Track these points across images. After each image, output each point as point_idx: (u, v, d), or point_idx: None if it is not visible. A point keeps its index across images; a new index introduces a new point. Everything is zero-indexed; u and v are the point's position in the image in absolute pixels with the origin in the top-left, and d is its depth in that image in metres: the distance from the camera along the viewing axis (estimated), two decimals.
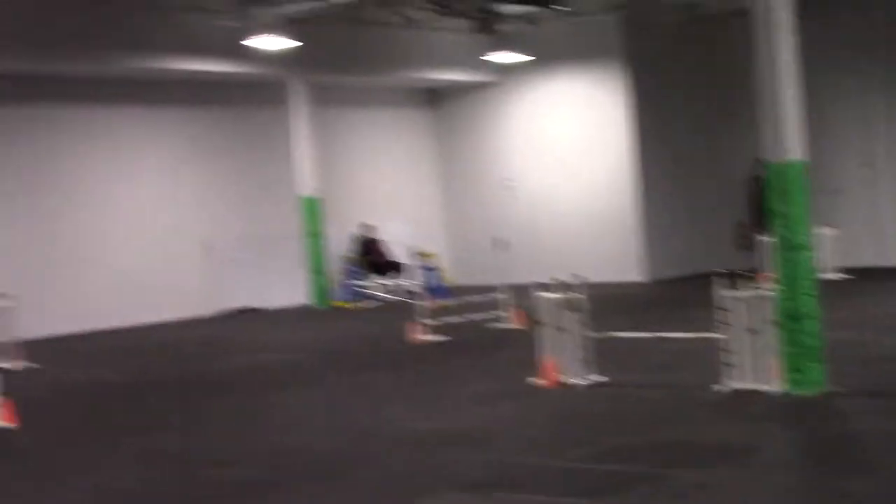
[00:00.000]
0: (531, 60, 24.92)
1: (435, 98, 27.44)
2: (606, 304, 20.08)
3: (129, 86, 21.94)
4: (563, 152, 25.56)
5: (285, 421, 11.05)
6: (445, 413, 10.77)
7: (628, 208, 24.59)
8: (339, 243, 24.47)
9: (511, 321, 16.98)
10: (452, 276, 26.21)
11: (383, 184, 26.42)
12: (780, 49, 10.52)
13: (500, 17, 22.71)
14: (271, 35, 20.39)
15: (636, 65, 24.55)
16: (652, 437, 9.18)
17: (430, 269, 22.60)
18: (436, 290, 21.92)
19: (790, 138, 10.51)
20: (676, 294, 20.87)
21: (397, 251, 24.07)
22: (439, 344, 15.98)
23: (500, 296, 17.24)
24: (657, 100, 24.93)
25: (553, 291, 11.90)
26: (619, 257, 24.67)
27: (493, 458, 8.71)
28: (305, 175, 22.86)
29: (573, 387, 11.48)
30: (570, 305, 11.75)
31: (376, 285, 24.17)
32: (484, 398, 11.40)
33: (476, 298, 18.47)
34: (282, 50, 21.38)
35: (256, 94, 23.83)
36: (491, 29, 22.77)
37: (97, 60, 20.05)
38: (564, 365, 11.73)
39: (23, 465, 9.99)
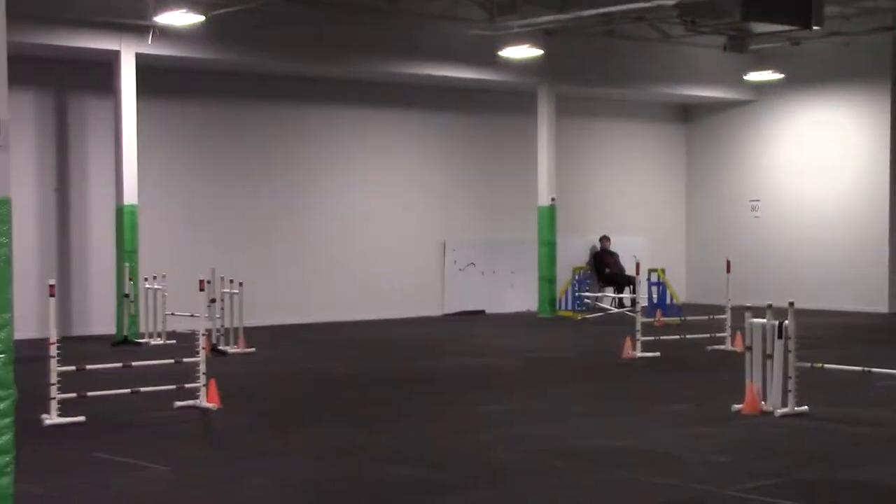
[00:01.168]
0: (790, 80, 24.24)
1: (687, 114, 27.01)
2: (839, 333, 19.42)
3: (384, 88, 22.57)
4: (814, 176, 24.77)
5: (474, 424, 11.05)
6: (636, 432, 10.55)
7: (878, 236, 23.59)
8: (573, 253, 24.45)
9: (732, 344, 16.56)
10: (686, 294, 25.77)
11: (624, 197, 26.21)
12: None
13: (754, 35, 22.13)
14: (523, 45, 20.56)
15: None
16: (841, 475, 8.73)
17: (659, 284, 22.24)
18: (663, 307, 21.61)
19: None
20: None
21: (630, 265, 23.79)
22: (651, 360, 15.71)
23: (723, 317, 16.82)
24: None
25: (766, 317, 11.47)
26: (864, 286, 23.73)
27: (666, 483, 8.46)
28: (544, 184, 22.87)
29: (773, 416, 11.05)
30: (778, 332, 11.29)
31: (604, 297, 24.00)
32: (680, 420, 11.13)
33: (702, 318, 18.12)
34: (532, 59, 21.53)
35: (505, 102, 24.05)
36: (745, 47, 22.20)
37: (357, 64, 20.73)
38: (768, 393, 11.31)
39: (214, 446, 10.35)
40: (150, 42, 18.29)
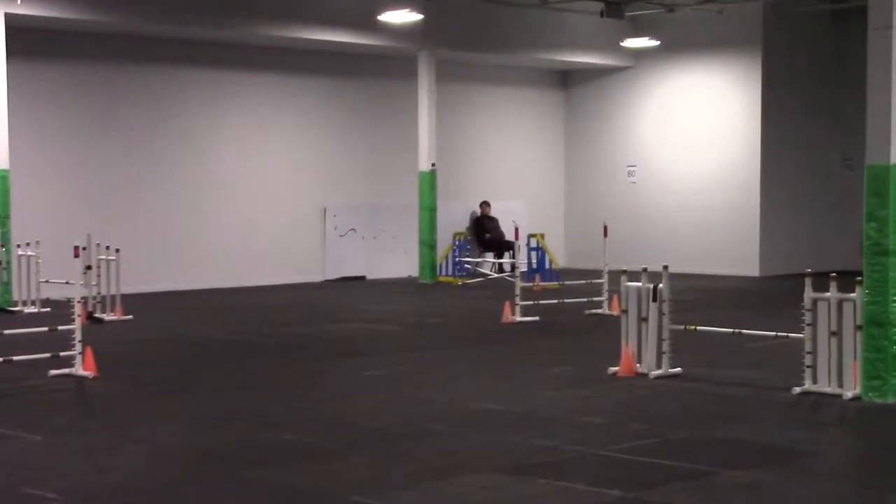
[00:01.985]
0: (666, 47, 24.63)
1: (566, 80, 27.26)
2: (711, 296, 19.89)
3: (263, 52, 22.35)
4: (689, 141, 25.23)
5: (352, 389, 11.10)
6: (514, 395, 10.71)
7: (749, 201, 24.17)
8: (454, 219, 24.58)
9: (609, 308, 16.84)
10: (564, 258, 26.11)
11: (504, 162, 26.40)
12: (891, 50, 10.12)
13: (631, 1, 22.41)
14: (403, 9, 20.53)
15: (772, 56, 24.05)
16: (711, 434, 8.99)
17: (538, 249, 22.50)
18: (542, 272, 21.87)
19: (894, 141, 10.13)
20: (785, 291, 20.37)
21: (510, 230, 24.00)
22: (530, 325, 15.92)
23: (601, 282, 17.09)
24: (790, 94, 24.43)
25: (642, 280, 11.70)
26: (736, 250, 24.30)
27: (545, 444, 8.62)
28: (425, 149, 22.91)
29: (648, 378, 11.31)
30: (653, 295, 11.53)
31: (484, 262, 24.20)
32: (556, 383, 11.32)
33: (580, 282, 18.39)
34: (412, 23, 21.51)
35: (385, 67, 24.00)
36: (621, 14, 22.47)
37: (236, 27, 20.47)
38: (643, 355, 11.56)
39: (90, 414, 10.24)
40: (18, 2, 17.84)
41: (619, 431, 9.07)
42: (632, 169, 26.10)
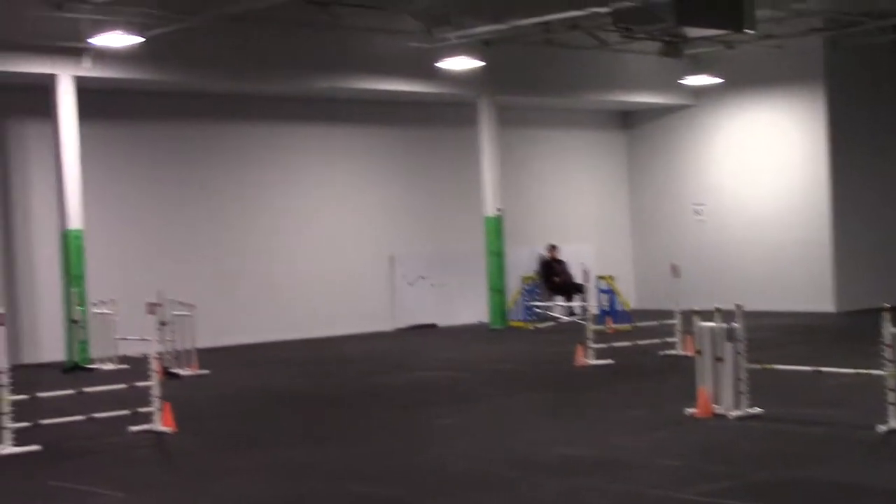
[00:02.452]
0: (727, 84, 24.54)
1: (627, 120, 27.24)
2: (786, 334, 19.67)
3: (325, 104, 22.60)
4: (755, 177, 25.06)
5: (429, 438, 11.10)
6: (590, 439, 10.65)
7: (821, 236, 23.93)
8: (522, 263, 24.58)
9: (683, 348, 16.72)
10: (635, 299, 25.97)
11: (569, 205, 26.38)
12: None
13: (689, 39, 22.34)
14: (461, 56, 20.68)
15: (835, 89, 23.88)
16: (795, 475, 8.87)
17: (608, 292, 22.40)
18: (613, 314, 21.76)
19: None
20: (863, 327, 20.09)
21: (578, 273, 23.93)
22: (604, 368, 15.85)
23: (673, 322, 16.99)
24: (855, 126, 24.21)
25: (714, 320, 11.61)
26: (809, 286, 24.03)
27: (624, 489, 8.56)
28: (490, 195, 22.98)
29: (726, 418, 11.20)
30: (728, 335, 11.44)
31: (555, 306, 24.15)
32: (634, 426, 11.25)
33: (652, 324, 18.28)
34: (471, 70, 21.66)
35: (446, 114, 24.14)
36: (679, 52, 22.41)
37: (297, 81, 20.71)
38: (720, 396, 11.45)
39: (170, 469, 10.33)
40: (87, 65, 18.19)
41: (700, 474, 8.98)
42: (699, 207, 25.96)
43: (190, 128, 21.28)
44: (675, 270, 17.43)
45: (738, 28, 19.61)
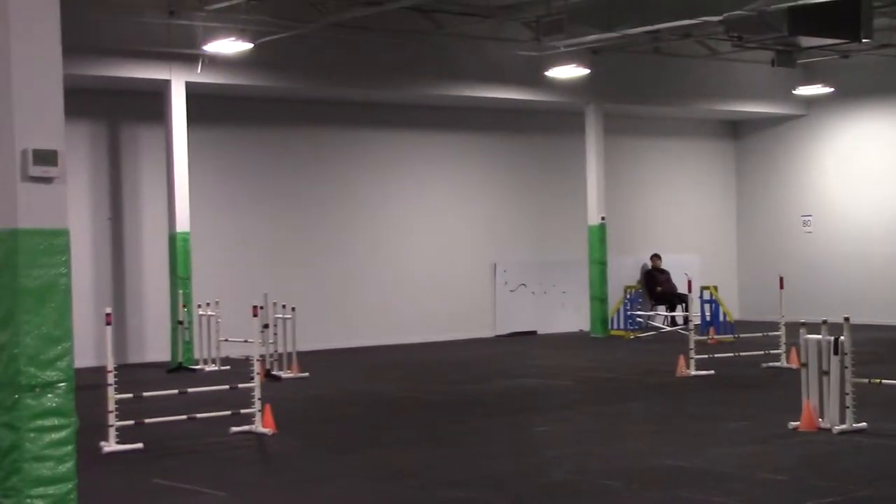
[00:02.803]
0: (839, 94, 24.10)
1: (736, 130, 26.91)
2: (893, 348, 19.23)
3: (431, 111, 22.68)
4: (866, 190, 24.59)
5: (529, 446, 11.06)
6: (692, 451, 10.50)
7: None
8: (625, 272, 24.42)
9: (787, 360, 16.47)
10: (739, 310, 25.64)
11: (675, 215, 26.13)
12: None
13: (803, 49, 21.97)
14: (570, 64, 20.62)
15: None
16: None
17: (711, 302, 22.12)
18: (716, 324, 21.50)
19: None
20: None
21: (681, 283, 23.66)
22: (705, 379, 15.66)
23: (777, 334, 16.72)
24: None
25: (821, 332, 11.39)
26: None
27: (721, 501, 8.43)
28: (594, 203, 22.86)
29: (831, 433, 10.98)
30: (834, 348, 11.22)
31: (657, 316, 23.94)
32: (735, 438, 11.08)
33: (756, 335, 18.03)
34: (579, 79, 21.59)
35: (553, 122, 24.09)
36: (792, 62, 22.05)
37: (404, 88, 20.83)
38: (825, 409, 11.24)
39: (271, 470, 10.43)
40: (199, 71, 18.51)
41: (802, 488, 8.82)
42: (807, 219, 25.54)
43: (297, 134, 21.51)
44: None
45: (855, 37, 19.18)
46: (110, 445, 10.95)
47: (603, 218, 22.82)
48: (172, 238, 18.71)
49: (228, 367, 17.75)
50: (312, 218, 21.60)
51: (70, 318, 6.87)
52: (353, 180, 22.06)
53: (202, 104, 19.47)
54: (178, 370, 17.96)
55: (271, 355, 17.02)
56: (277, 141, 21.32)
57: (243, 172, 20.99)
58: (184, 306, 18.35)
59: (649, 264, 24.81)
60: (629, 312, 23.30)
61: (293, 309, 17.19)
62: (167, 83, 18.42)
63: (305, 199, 21.57)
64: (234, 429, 11.83)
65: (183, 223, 18.64)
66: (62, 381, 6.98)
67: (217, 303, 18.20)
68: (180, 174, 18.59)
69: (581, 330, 23.67)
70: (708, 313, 22.02)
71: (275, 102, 21.08)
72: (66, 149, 6.88)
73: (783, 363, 16.51)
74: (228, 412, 11.90)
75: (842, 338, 11.11)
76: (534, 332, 23.61)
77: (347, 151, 22.03)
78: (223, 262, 20.51)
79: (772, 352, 16.80)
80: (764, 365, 16.63)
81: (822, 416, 11.23)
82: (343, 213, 21.94)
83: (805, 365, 11.42)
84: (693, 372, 15.94)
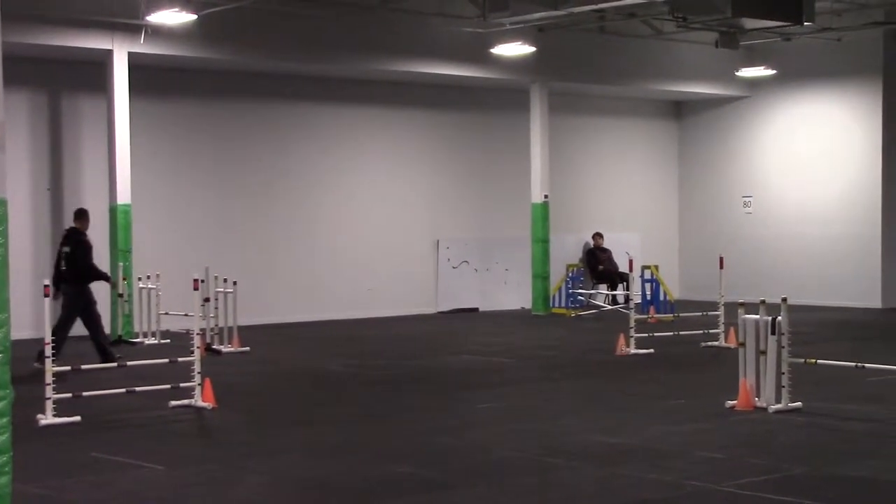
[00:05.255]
0: (782, 76, 24.30)
1: (679, 110, 27.07)
2: (830, 329, 19.50)
3: (375, 86, 22.59)
4: (806, 171, 24.85)
5: (470, 422, 11.09)
6: (628, 428, 10.59)
7: (872, 231, 23.70)
8: (567, 250, 24.53)
9: (726, 340, 16.63)
10: (679, 290, 25.85)
11: (617, 194, 26.27)
12: None
13: (746, 31, 22.10)
14: (515, 42, 20.61)
15: (892, 83, 23.58)
16: (836, 471, 8.78)
17: (652, 281, 22.29)
18: (656, 303, 21.67)
19: None
20: None
21: (623, 262, 23.82)
22: (645, 357, 15.78)
23: (717, 313, 16.87)
24: None
25: (759, 313, 11.50)
26: (856, 282, 23.82)
27: (663, 479, 8.51)
28: (538, 181, 22.90)
29: (767, 412, 11.11)
30: (772, 328, 11.34)
31: (598, 294, 24.08)
32: (673, 416, 11.17)
33: (696, 314, 18.18)
34: (524, 56, 21.59)
35: (498, 99, 24.10)
36: (736, 43, 22.19)
37: (349, 62, 20.69)
38: (761, 389, 11.37)
39: (210, 445, 10.39)
40: (142, 41, 18.30)
41: (739, 466, 8.91)
42: (748, 199, 25.77)
43: (240, 107, 21.34)
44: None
45: (798, 20, 19.38)
46: (47, 418, 10.84)
47: (546, 196, 22.89)
48: (113, 210, 18.53)
49: (169, 341, 17.65)
50: (254, 192, 21.48)
51: (6, 289, 6.77)
52: (296, 155, 21.95)
53: (145, 75, 19.27)
54: (117, 343, 17.80)
55: (212, 329, 16.93)
56: (221, 114, 21.15)
57: (186, 145, 20.81)
58: (124, 279, 18.19)
59: (591, 243, 24.93)
60: (571, 290, 23.42)
61: (234, 283, 17.10)
62: (109, 53, 18.20)
63: (248, 172, 21.43)
64: (174, 403, 11.76)
65: (124, 195, 18.46)
66: None
67: (158, 276, 18.07)
68: (122, 146, 18.39)
69: (523, 307, 23.76)
70: (648, 292, 22.20)
71: (218, 75, 20.90)
72: (5, 118, 6.77)
73: (722, 342, 16.66)
74: (168, 386, 11.83)
75: (779, 318, 11.23)
76: (476, 309, 23.67)
77: (291, 126, 21.91)
78: (164, 234, 20.35)
79: (711, 331, 16.95)
80: (703, 344, 16.77)
81: (758, 395, 11.36)
82: (286, 188, 21.83)
83: (743, 344, 11.53)
84: (633, 350, 16.04)
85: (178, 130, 20.71)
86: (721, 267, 17.06)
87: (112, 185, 18.51)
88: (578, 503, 7.87)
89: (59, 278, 14.79)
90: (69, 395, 11.12)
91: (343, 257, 22.39)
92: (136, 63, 18.51)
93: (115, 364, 13.45)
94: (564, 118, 24.81)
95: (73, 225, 15.32)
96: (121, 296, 18.19)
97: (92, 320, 14.68)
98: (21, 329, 16.28)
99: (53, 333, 14.95)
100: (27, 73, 18.61)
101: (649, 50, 23.88)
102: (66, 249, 14.90)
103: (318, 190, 22.21)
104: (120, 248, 18.41)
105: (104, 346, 14.62)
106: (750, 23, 20.80)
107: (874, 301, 23.51)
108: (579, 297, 23.52)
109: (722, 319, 16.71)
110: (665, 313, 20.77)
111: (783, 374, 11.19)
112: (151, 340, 17.90)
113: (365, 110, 22.78)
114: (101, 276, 15.17)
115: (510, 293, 24.11)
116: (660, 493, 8.13)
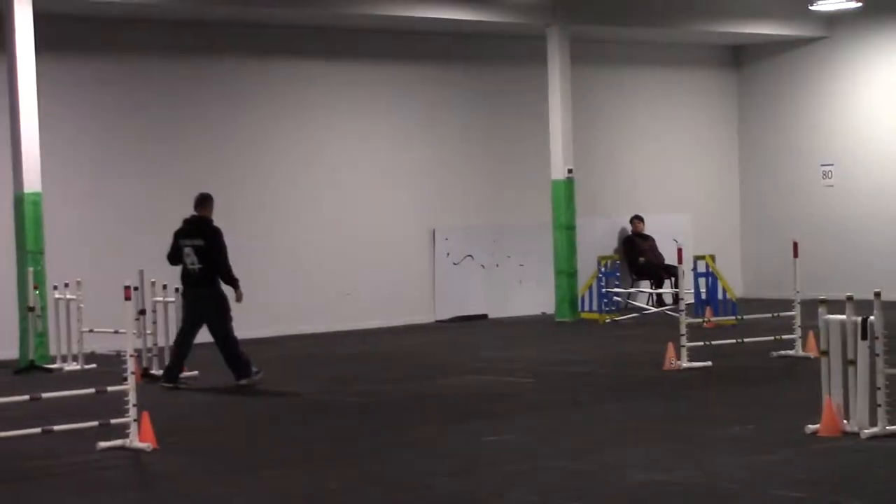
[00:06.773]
0: (869, 9, 24.15)
1: (738, 57, 27.09)
2: None
3: (352, 36, 22.71)
4: None
5: (477, 461, 11.10)
6: (682, 461, 10.62)
7: None
8: (598, 240, 24.55)
9: (804, 348, 16.66)
10: (742, 286, 25.89)
11: (660, 166, 26.31)
12: None
13: None
14: None
15: None
16: None
17: (708, 275, 22.28)
18: (714, 304, 21.68)
19: None
20: None
21: (670, 252, 23.83)
22: (700, 372, 15.81)
23: (791, 314, 16.89)
24: None
25: (846, 312, 11.51)
26: None
27: None
28: (559, 153, 22.89)
29: (859, 438, 11.12)
30: (862, 331, 11.33)
31: (639, 293, 24.11)
32: (738, 447, 11.20)
33: (764, 316, 18.21)
34: None
35: (507, 49, 24.24)
36: None
37: (311, 5, 20.74)
38: (851, 409, 11.37)
39: (149, 497, 10.40)
40: None
41: None
42: (828, 169, 25.78)
43: (180, 65, 21.36)
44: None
45: None
46: None
47: (570, 171, 22.92)
48: (19, 200, 18.52)
49: (94, 366, 17.68)
50: (201, 173, 21.42)
51: None
52: (253, 125, 21.97)
53: (55, 27, 19.28)
54: (28, 370, 17.81)
55: (149, 350, 16.93)
56: (155, 74, 21.16)
57: (111, 115, 20.81)
58: (35, 288, 18.18)
59: (629, 229, 24.95)
60: (604, 290, 23.43)
61: (176, 290, 17.09)
62: (8, 2, 18.19)
63: (192, 148, 21.46)
64: (104, 444, 11.75)
65: (33, 181, 18.43)
66: None
67: (79, 283, 18.06)
68: (28, 118, 18.35)
69: (543, 313, 23.80)
70: (703, 290, 22.19)
71: (154, 25, 20.92)
72: None
73: (798, 351, 16.70)
74: (96, 423, 11.82)
75: (871, 318, 11.23)
76: (484, 316, 23.72)
77: (244, 87, 21.92)
78: (86, 231, 20.37)
79: (784, 337, 16.96)
80: (774, 354, 16.81)
81: (847, 417, 11.36)
82: (241, 168, 21.84)
83: (826, 353, 11.54)
84: (685, 364, 16.07)
85: (100, 97, 20.70)
86: (795, 255, 17.08)
87: (17, 168, 18.49)
88: None
89: (187, 280, 15.91)
90: None
91: (313, 256, 22.41)
92: (43, 11, 18.50)
93: (245, 382, 15.36)
94: (591, 71, 24.83)
95: (194, 213, 16.22)
96: (31, 310, 18.18)
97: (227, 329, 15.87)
98: None
99: (177, 345, 15.76)
100: None
101: None
102: (199, 243, 15.83)
103: (282, 167, 22.23)
104: (29, 248, 18.39)
105: (243, 356, 15.88)
106: None
107: None
108: (615, 298, 23.54)
109: (798, 322, 16.74)
110: (725, 315, 20.78)
111: (879, 389, 11.19)
112: (72, 366, 17.91)
113: (340, 67, 22.77)
114: (236, 283, 16.20)
115: (527, 295, 24.13)
116: None
